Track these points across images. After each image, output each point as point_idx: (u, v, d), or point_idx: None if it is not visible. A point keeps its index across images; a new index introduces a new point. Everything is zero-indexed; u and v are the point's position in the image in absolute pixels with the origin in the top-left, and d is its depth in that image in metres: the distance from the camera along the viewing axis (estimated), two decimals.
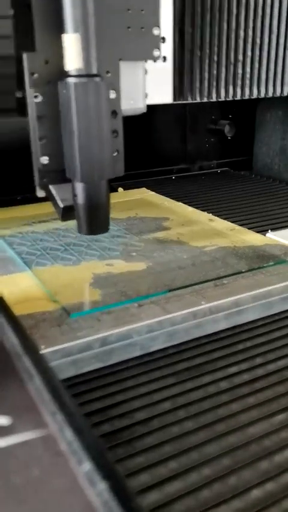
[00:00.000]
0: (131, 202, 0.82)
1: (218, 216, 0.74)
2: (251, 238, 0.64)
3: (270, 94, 0.76)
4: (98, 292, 0.49)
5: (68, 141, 0.50)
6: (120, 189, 0.91)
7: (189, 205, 0.79)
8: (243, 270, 0.53)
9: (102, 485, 0.18)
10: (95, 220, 0.54)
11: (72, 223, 0.70)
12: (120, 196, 0.86)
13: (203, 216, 0.74)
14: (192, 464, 0.32)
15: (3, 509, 0.17)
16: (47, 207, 0.79)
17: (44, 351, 0.39)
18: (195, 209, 0.78)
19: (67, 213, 0.56)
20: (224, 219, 0.72)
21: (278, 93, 0.77)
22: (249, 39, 0.72)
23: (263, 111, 1.06)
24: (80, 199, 0.53)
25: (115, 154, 0.53)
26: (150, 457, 0.32)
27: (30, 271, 0.54)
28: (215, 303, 0.47)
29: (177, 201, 0.82)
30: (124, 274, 0.54)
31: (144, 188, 0.91)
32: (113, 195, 0.88)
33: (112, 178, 0.53)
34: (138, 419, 0.36)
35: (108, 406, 0.37)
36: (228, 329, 0.47)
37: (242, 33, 0.71)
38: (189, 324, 0.45)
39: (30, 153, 0.54)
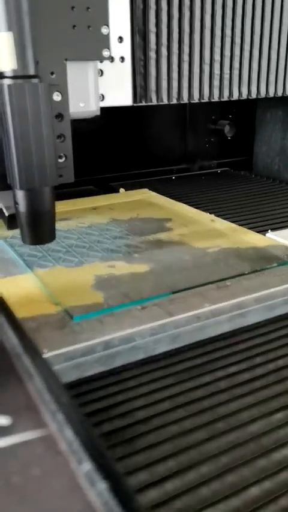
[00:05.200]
0: (133, 203, 0.82)
1: (218, 216, 0.74)
2: (254, 239, 0.64)
3: (244, 96, 0.73)
4: (101, 294, 0.49)
5: (7, 146, 0.47)
6: (121, 190, 0.92)
7: (190, 206, 0.80)
8: (246, 272, 0.53)
9: (102, 485, 0.18)
10: (39, 229, 0.51)
11: (74, 224, 0.71)
12: (121, 197, 0.86)
13: (205, 217, 0.74)
14: (191, 463, 0.32)
15: (3, 509, 0.17)
16: None
17: (47, 354, 0.39)
18: (196, 209, 0.78)
19: (14, 221, 0.52)
20: (224, 219, 0.73)
21: (253, 95, 0.73)
22: (227, 39, 0.68)
23: (263, 111, 1.06)
24: (22, 207, 0.49)
25: (62, 160, 0.50)
26: (150, 455, 0.33)
27: (32, 273, 0.54)
28: (218, 305, 0.47)
29: (178, 201, 0.83)
30: (126, 276, 0.54)
31: (145, 189, 0.91)
32: (114, 195, 0.88)
33: (57, 185, 0.50)
34: (138, 418, 0.36)
35: (110, 406, 0.38)
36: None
37: (218, 31, 0.67)
38: (192, 326, 0.45)
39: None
